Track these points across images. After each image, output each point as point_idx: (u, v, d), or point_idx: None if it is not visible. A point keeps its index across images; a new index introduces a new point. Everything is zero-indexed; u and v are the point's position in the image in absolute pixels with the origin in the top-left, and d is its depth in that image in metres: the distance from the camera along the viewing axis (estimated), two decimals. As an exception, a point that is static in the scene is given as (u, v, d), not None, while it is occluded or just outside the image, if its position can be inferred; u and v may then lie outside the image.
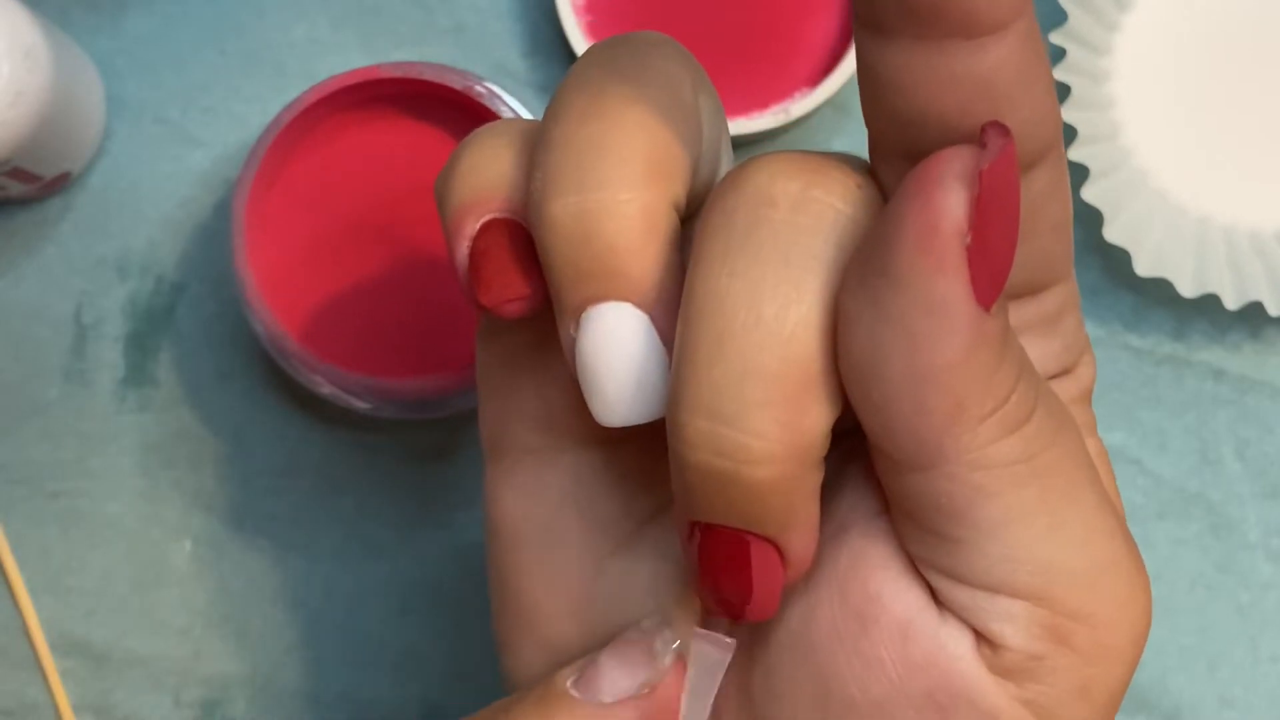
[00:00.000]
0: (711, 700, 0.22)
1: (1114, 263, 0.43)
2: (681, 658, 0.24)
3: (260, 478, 0.43)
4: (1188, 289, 0.41)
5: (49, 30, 0.40)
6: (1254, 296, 0.41)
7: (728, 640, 0.23)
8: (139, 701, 0.43)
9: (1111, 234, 0.41)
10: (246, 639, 0.43)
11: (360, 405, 0.40)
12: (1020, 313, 0.22)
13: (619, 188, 0.21)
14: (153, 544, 0.43)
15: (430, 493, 0.43)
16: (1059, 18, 0.42)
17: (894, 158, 0.20)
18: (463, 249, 0.23)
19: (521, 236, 0.23)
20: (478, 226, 0.23)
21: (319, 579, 0.43)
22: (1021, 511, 0.20)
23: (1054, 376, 0.24)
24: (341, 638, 0.43)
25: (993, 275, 0.19)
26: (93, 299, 0.43)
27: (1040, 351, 0.23)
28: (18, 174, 0.40)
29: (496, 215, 0.23)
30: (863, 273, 0.19)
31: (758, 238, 0.20)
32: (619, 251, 0.21)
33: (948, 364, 0.19)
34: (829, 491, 0.23)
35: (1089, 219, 0.42)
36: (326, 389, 0.40)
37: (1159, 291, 0.43)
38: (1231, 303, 0.41)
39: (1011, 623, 0.21)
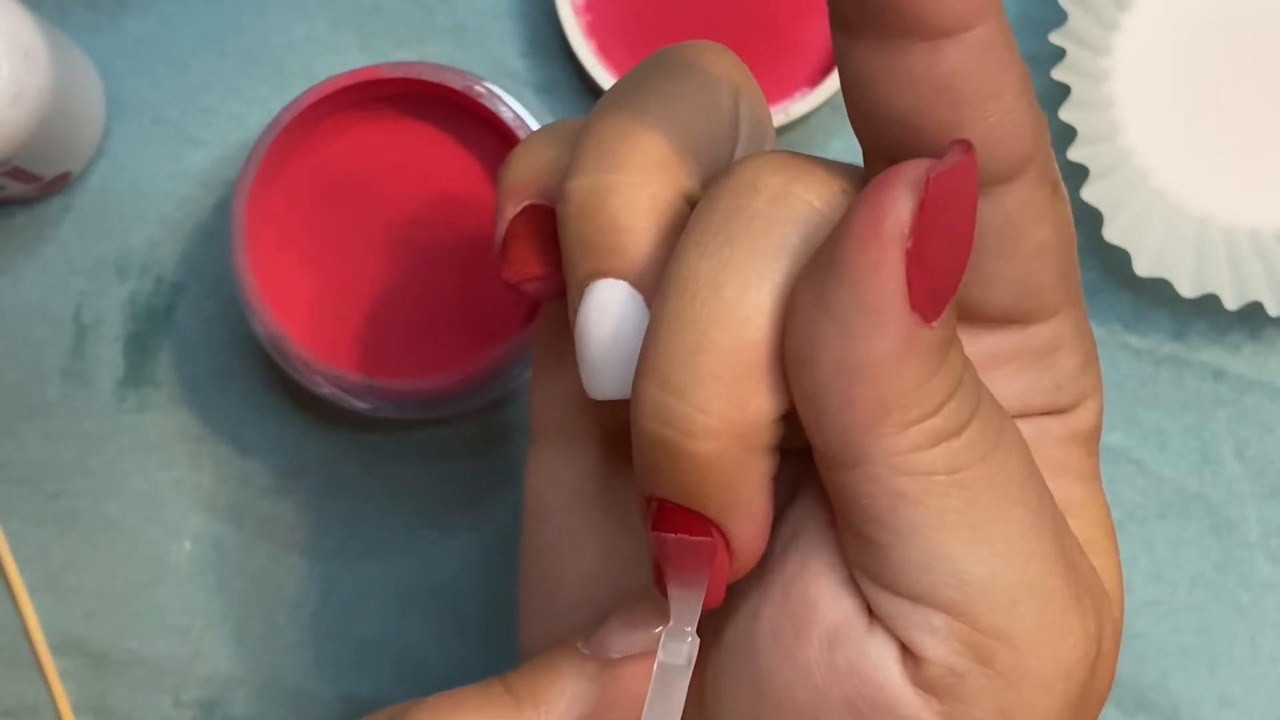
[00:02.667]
0: (702, 596, 0.22)
1: (1114, 263, 0.43)
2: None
3: (260, 478, 0.43)
4: (1188, 289, 0.41)
5: (49, 30, 0.40)
6: (1254, 296, 0.41)
7: (709, 540, 0.22)
8: (139, 701, 0.43)
9: (1111, 234, 0.41)
10: (246, 639, 0.43)
11: (360, 405, 0.40)
12: (1002, 341, 0.23)
13: (631, 171, 0.23)
14: (153, 544, 0.43)
15: (430, 493, 0.43)
16: (1059, 18, 0.42)
17: (876, 160, 0.21)
18: (500, 229, 0.25)
19: (554, 222, 0.24)
20: (516, 210, 0.25)
21: (319, 579, 0.43)
22: (942, 521, 0.21)
23: (1038, 414, 0.24)
24: (341, 638, 0.43)
25: (935, 286, 0.19)
26: (92, 299, 0.43)
27: (1023, 385, 0.23)
28: (17, 174, 0.40)
29: (534, 201, 0.25)
30: (813, 264, 0.20)
31: (733, 223, 0.21)
32: (620, 230, 0.23)
33: (875, 362, 0.19)
34: (789, 500, 0.23)
35: (1089, 219, 0.42)
36: (326, 389, 0.40)
37: (1159, 291, 0.43)
38: (1231, 303, 0.41)
39: (933, 634, 0.21)
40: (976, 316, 0.22)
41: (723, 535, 0.21)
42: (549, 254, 0.25)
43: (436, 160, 0.40)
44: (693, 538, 0.22)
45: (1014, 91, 0.20)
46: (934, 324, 0.20)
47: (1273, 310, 0.41)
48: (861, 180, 0.22)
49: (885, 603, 0.21)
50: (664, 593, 0.22)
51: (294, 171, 0.40)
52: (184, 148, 0.43)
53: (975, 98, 0.19)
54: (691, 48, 0.25)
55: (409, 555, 0.43)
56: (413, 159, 0.40)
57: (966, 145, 0.19)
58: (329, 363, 0.39)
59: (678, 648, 0.22)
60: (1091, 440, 0.24)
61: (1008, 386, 0.23)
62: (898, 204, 0.19)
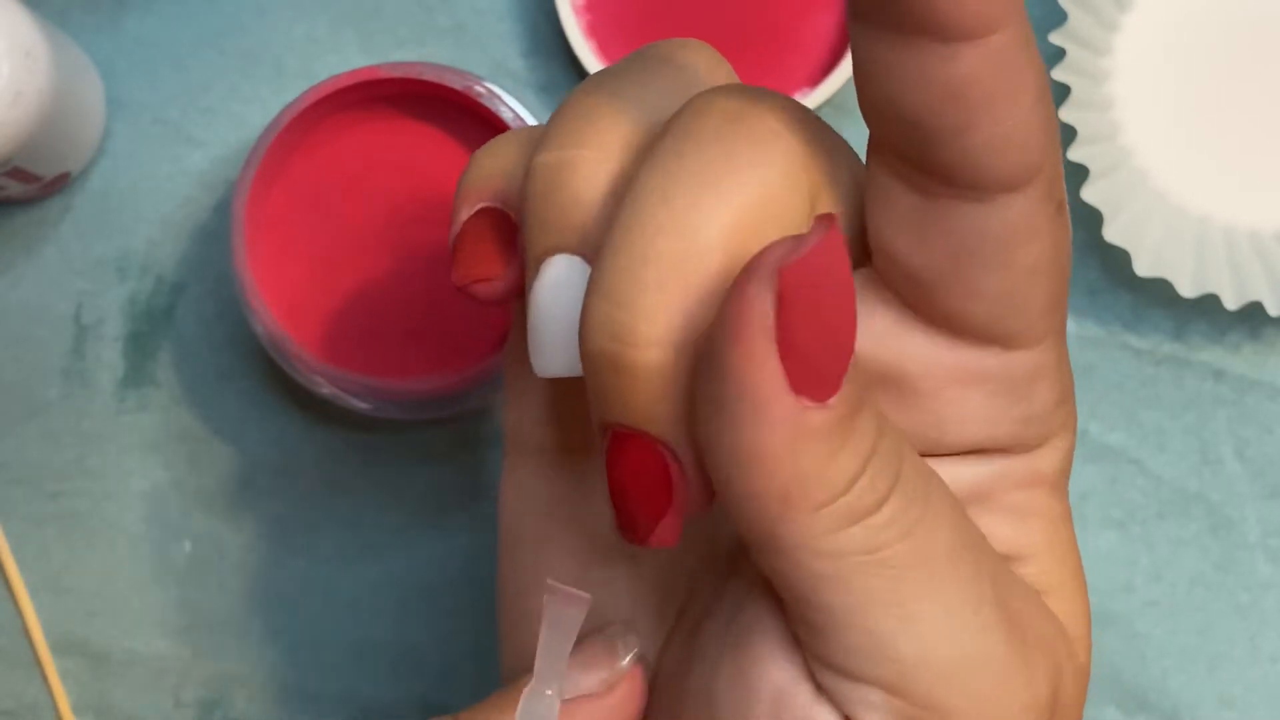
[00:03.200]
0: (566, 656, 0.22)
1: (1114, 263, 0.43)
2: (643, 661, 0.24)
3: (260, 478, 0.43)
4: (1188, 289, 0.41)
5: (49, 30, 0.40)
6: (1254, 296, 0.41)
7: (581, 595, 0.22)
8: (139, 701, 0.43)
9: (1111, 234, 0.41)
10: (246, 639, 0.43)
11: (360, 405, 0.40)
12: (981, 359, 0.22)
13: (595, 148, 0.22)
14: (153, 544, 0.43)
15: (430, 493, 0.43)
16: (1059, 18, 0.42)
17: (881, 148, 0.21)
18: (454, 233, 0.25)
19: (507, 226, 0.24)
20: (471, 213, 0.24)
21: (319, 579, 0.43)
22: (870, 601, 0.20)
23: (1002, 450, 0.23)
24: (341, 638, 0.43)
25: (817, 369, 0.19)
26: (92, 299, 0.43)
27: (993, 411, 0.22)
28: (18, 174, 0.40)
29: (488, 204, 0.24)
30: (704, 357, 0.19)
31: (689, 140, 0.20)
32: (580, 204, 0.22)
33: (767, 452, 0.19)
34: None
35: (1089, 219, 0.42)
36: (326, 389, 0.40)
37: (1159, 291, 0.43)
38: (1231, 303, 0.41)
39: (872, 710, 0.21)
40: (958, 327, 0.22)
41: (675, 459, 0.21)
42: (499, 257, 0.24)
43: (436, 160, 0.40)
44: (645, 459, 0.21)
45: (1029, 101, 0.19)
46: (829, 402, 0.19)
47: (1273, 310, 0.41)
48: (812, 114, 0.21)
49: (825, 678, 0.21)
50: (625, 536, 0.22)
51: (294, 171, 0.40)
52: (184, 148, 0.43)
53: (987, 103, 0.19)
54: (672, 44, 0.24)
55: (409, 555, 0.43)
56: (413, 159, 0.40)
57: (829, 222, 0.19)
58: (329, 363, 0.39)
59: (533, 708, 0.22)
60: (1059, 482, 0.23)
61: (979, 409, 0.22)
62: (759, 297, 0.18)
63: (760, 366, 0.18)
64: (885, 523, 0.20)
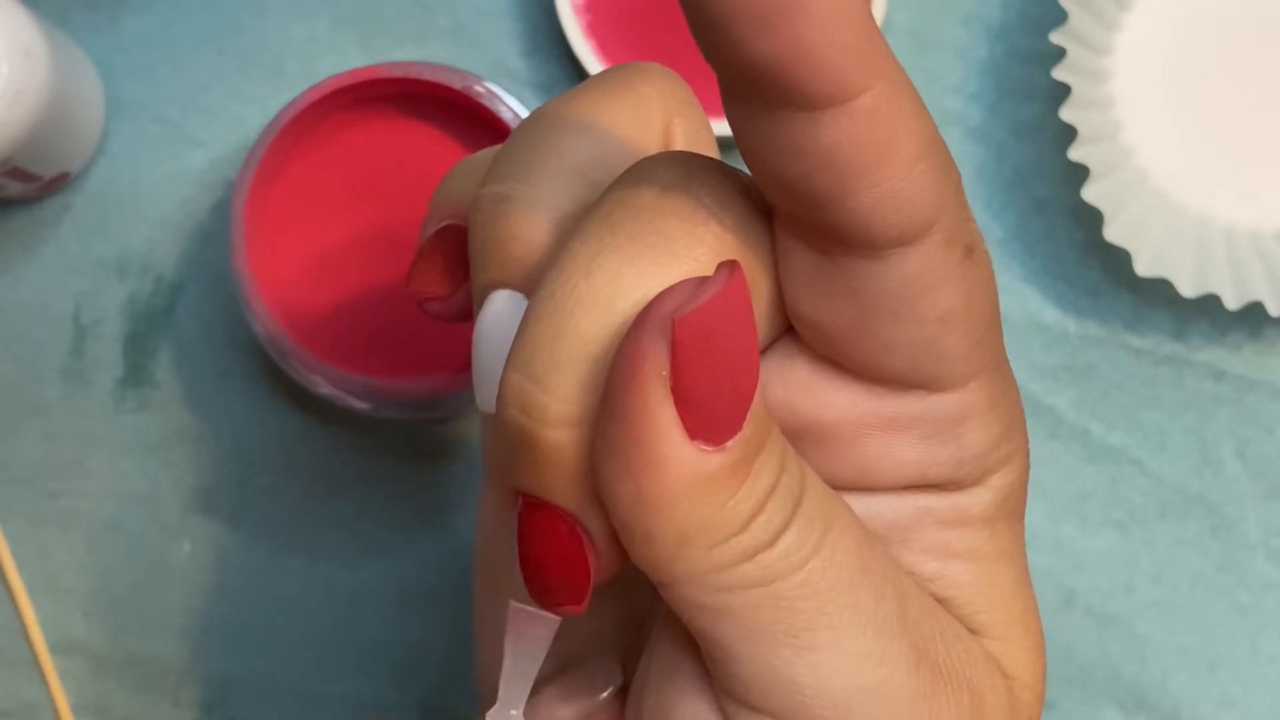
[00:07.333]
0: (531, 677, 0.22)
1: (1114, 263, 0.43)
2: (623, 693, 0.24)
3: (260, 478, 0.43)
4: (1188, 289, 0.41)
5: (48, 30, 0.40)
6: (1254, 296, 0.41)
7: (547, 615, 0.22)
8: (138, 701, 0.43)
9: (1111, 234, 0.41)
10: (246, 639, 0.43)
11: (360, 405, 0.40)
12: (902, 405, 0.21)
13: (534, 183, 0.22)
14: (152, 544, 0.43)
15: (430, 493, 0.43)
16: (1059, 18, 0.42)
17: (782, 214, 0.20)
18: (419, 248, 0.25)
19: (465, 247, 0.24)
20: (434, 230, 0.25)
21: (319, 579, 0.43)
22: (763, 634, 0.20)
23: (931, 488, 0.22)
24: (341, 638, 0.43)
25: (715, 415, 0.19)
26: (91, 299, 0.43)
27: (920, 455, 0.22)
28: (17, 174, 0.40)
29: (453, 222, 0.24)
30: (601, 402, 0.19)
31: (620, 212, 0.20)
32: (518, 241, 0.22)
33: (663, 498, 0.19)
34: None
35: (1089, 219, 0.42)
36: (326, 389, 0.40)
37: (1159, 291, 0.43)
38: (1232, 303, 0.41)
39: None
40: (876, 376, 0.21)
41: (585, 532, 0.20)
42: (454, 275, 0.24)
43: (435, 160, 0.40)
44: (553, 530, 0.20)
45: (908, 158, 0.18)
46: (727, 445, 0.19)
47: (1273, 310, 0.41)
48: (755, 197, 0.21)
49: (730, 710, 0.21)
50: (534, 598, 0.22)
51: (294, 171, 0.40)
52: (184, 148, 0.43)
53: (861, 167, 0.18)
54: (631, 69, 0.24)
55: (409, 555, 0.43)
56: (413, 159, 0.40)
57: (730, 269, 0.19)
58: (329, 363, 0.39)
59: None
60: (997, 519, 0.22)
61: (905, 454, 0.22)
62: (653, 345, 0.18)
63: (653, 413, 0.18)
64: (778, 557, 0.20)
